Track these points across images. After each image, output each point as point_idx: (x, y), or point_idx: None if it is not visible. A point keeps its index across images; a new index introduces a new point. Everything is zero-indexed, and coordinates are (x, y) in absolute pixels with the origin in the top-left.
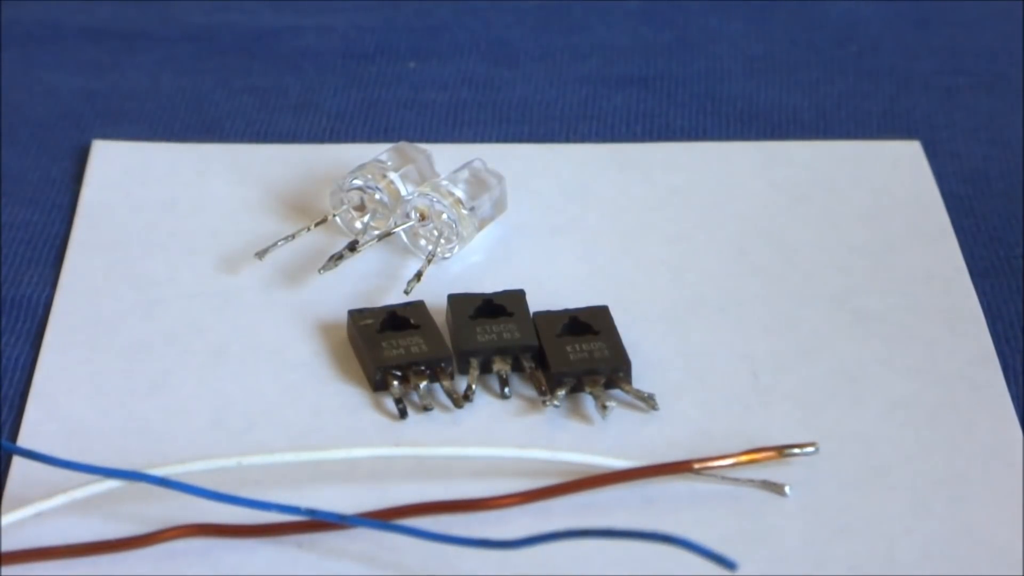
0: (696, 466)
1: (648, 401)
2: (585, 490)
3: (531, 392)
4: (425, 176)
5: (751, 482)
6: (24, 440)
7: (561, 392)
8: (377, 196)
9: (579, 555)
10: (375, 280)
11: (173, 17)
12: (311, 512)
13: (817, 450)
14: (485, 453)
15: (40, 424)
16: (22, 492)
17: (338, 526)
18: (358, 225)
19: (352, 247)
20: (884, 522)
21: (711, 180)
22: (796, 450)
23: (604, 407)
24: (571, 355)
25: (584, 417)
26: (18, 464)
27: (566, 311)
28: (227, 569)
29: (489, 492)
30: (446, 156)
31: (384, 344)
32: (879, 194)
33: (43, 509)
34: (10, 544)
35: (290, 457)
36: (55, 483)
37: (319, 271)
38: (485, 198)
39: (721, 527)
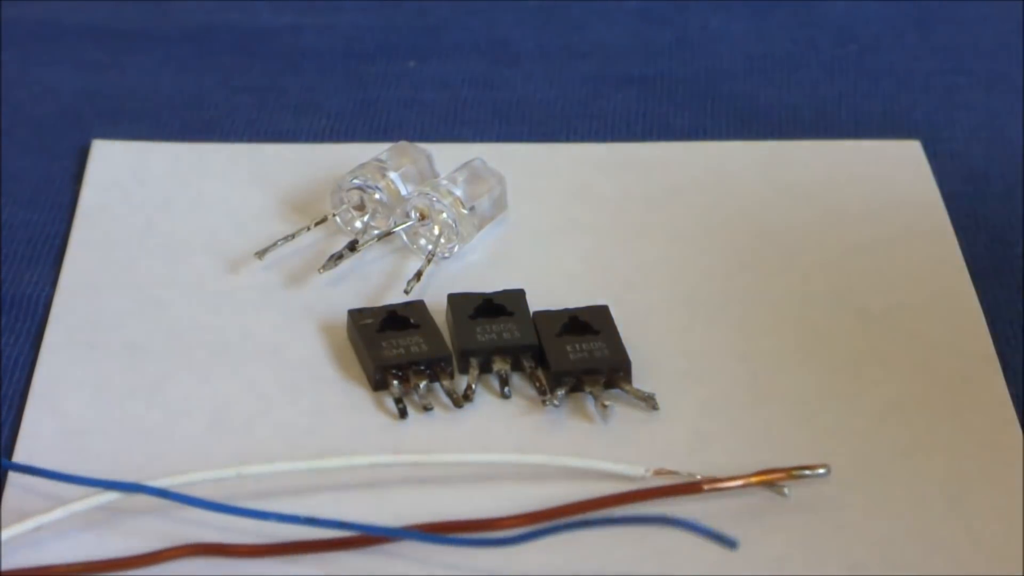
0: (706, 487)
1: (648, 401)
2: (592, 511)
3: (531, 392)
4: (425, 176)
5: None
6: (24, 440)
7: (561, 391)
8: (377, 196)
9: (580, 549)
10: (375, 280)
11: (173, 17)
12: (310, 520)
13: (828, 472)
14: (485, 459)
15: (40, 424)
16: (20, 504)
17: (340, 544)
18: (358, 225)
19: (352, 247)
20: (884, 522)
21: (711, 180)
22: (807, 471)
23: (604, 407)
24: (571, 354)
25: (584, 417)
26: (15, 475)
27: (566, 310)
28: None
29: (489, 498)
30: (446, 156)
31: (384, 344)
32: (879, 194)
33: (42, 523)
34: (8, 558)
35: (288, 467)
36: (54, 494)
37: (319, 271)
38: (485, 198)
39: (720, 527)
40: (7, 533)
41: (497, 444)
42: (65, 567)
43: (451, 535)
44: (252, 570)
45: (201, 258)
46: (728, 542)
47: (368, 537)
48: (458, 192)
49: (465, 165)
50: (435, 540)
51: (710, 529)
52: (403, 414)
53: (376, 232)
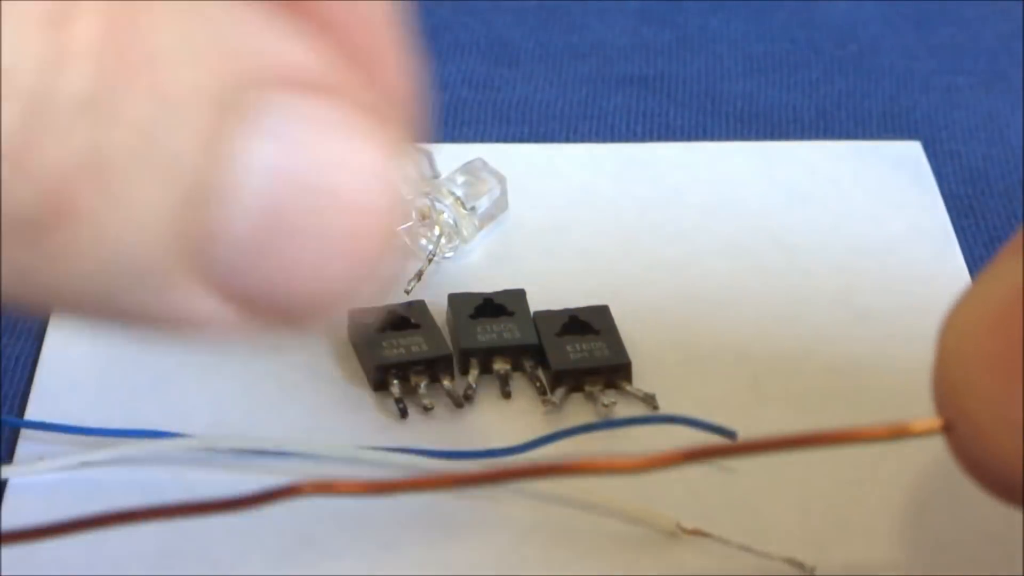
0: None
1: (648, 401)
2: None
3: (531, 391)
4: (425, 176)
5: (771, 557)
6: (25, 440)
7: (561, 391)
8: None
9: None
10: None
11: None
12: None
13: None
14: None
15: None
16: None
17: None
18: None
19: None
20: (884, 522)
21: (711, 180)
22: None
23: (604, 406)
24: (571, 354)
25: (584, 417)
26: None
27: (566, 310)
28: None
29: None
30: (446, 156)
31: (384, 344)
32: (879, 194)
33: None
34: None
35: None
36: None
37: None
38: (485, 198)
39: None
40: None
41: (497, 444)
42: (158, 509)
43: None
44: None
45: None
46: (728, 434)
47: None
48: (458, 192)
49: (465, 165)
50: (432, 455)
51: (711, 423)
52: (403, 414)
53: None
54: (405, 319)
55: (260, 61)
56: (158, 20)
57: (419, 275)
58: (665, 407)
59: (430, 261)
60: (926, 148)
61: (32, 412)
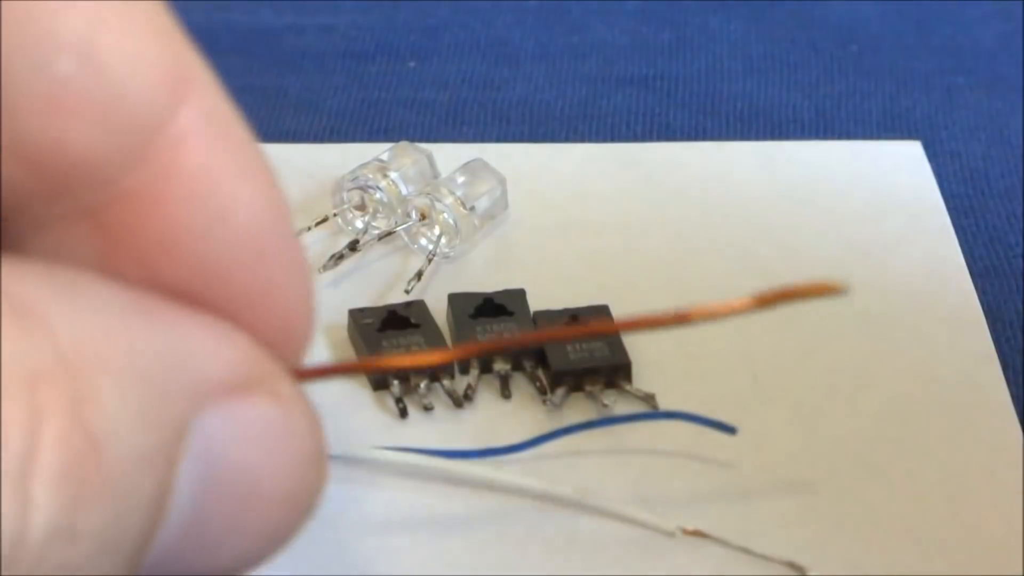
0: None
1: (648, 401)
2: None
3: (531, 391)
4: (425, 176)
5: (770, 559)
6: None
7: (561, 391)
8: (377, 196)
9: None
10: (375, 280)
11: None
12: None
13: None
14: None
15: None
16: None
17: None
18: (359, 224)
19: (353, 246)
20: (884, 522)
21: (711, 180)
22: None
23: (604, 406)
24: (571, 354)
25: (584, 416)
26: None
27: (566, 310)
28: None
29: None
30: (446, 156)
31: (384, 343)
32: (879, 194)
33: None
34: None
35: None
36: None
37: (319, 270)
38: (485, 197)
39: (721, 528)
40: None
41: (497, 443)
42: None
43: (448, 449)
44: None
45: None
46: (728, 429)
47: None
48: (459, 192)
49: (465, 165)
50: (430, 453)
51: (710, 419)
52: (403, 414)
53: (377, 232)
54: (405, 319)
55: (195, 388)
56: (107, 409)
57: (419, 275)
58: (665, 407)
59: (430, 261)
60: (926, 148)
61: None
